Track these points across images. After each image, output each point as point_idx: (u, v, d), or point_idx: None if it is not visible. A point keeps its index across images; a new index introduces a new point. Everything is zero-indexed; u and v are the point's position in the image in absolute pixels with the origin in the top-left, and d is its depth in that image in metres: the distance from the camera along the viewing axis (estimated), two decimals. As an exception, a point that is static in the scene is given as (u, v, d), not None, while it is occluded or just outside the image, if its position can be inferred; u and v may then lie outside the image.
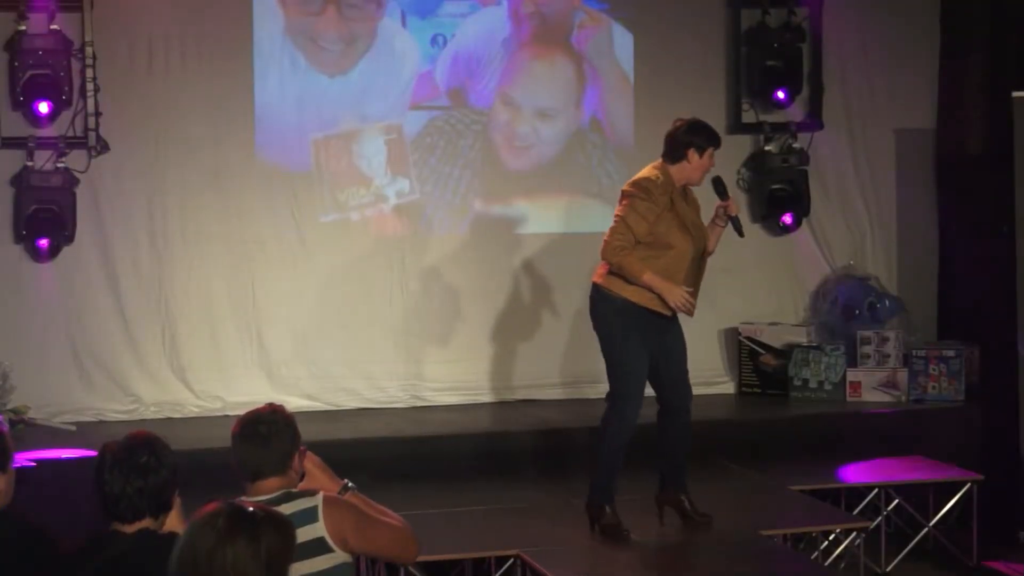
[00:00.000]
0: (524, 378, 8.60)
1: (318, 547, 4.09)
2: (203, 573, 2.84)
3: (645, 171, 6.24)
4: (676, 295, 6.08)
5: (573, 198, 8.79)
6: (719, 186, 6.36)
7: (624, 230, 6.08)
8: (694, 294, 6.21)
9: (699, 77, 8.89)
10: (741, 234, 6.37)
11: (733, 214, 6.27)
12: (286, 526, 2.97)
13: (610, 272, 6.17)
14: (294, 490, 4.26)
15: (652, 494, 6.71)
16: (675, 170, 6.18)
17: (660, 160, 6.25)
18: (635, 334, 6.15)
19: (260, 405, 4.38)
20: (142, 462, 3.77)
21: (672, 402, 6.37)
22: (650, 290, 6.08)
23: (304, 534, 4.05)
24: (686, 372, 6.43)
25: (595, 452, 6.37)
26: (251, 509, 2.93)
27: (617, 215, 6.15)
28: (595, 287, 6.26)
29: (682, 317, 7.93)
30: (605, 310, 6.20)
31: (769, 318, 8.90)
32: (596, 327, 6.29)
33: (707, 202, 6.41)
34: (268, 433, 4.22)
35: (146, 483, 3.74)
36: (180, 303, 8.24)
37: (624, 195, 6.18)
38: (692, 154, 6.16)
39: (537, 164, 8.74)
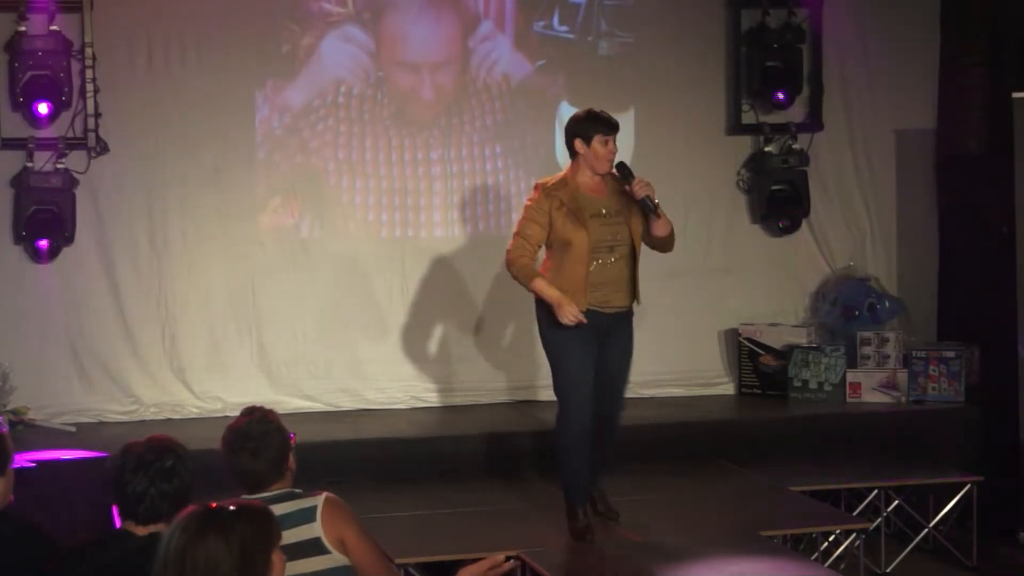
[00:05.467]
0: (524, 379, 8.60)
1: (313, 547, 4.09)
2: (176, 573, 2.88)
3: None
4: (564, 312, 5.96)
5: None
6: (621, 170, 6.16)
7: (519, 239, 6.09)
8: (625, 286, 6.12)
9: (699, 77, 8.89)
10: (656, 215, 6.06)
11: (638, 197, 6.06)
12: (261, 515, 3.00)
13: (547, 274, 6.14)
14: (297, 490, 4.26)
15: (656, 497, 6.75)
16: (579, 166, 6.12)
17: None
18: (572, 336, 6.04)
19: (245, 410, 4.41)
20: (168, 466, 3.84)
21: (598, 410, 6.16)
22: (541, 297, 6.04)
23: (299, 533, 4.06)
24: (620, 384, 6.26)
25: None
26: (222, 505, 2.97)
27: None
28: None
29: (681, 319, 7.98)
30: (542, 314, 6.16)
31: (769, 319, 8.90)
32: (538, 329, 6.27)
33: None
34: (258, 447, 4.23)
35: (170, 487, 3.80)
36: (180, 304, 8.24)
37: None
38: (580, 145, 6.09)
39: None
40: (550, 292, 6.01)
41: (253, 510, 2.99)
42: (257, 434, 4.24)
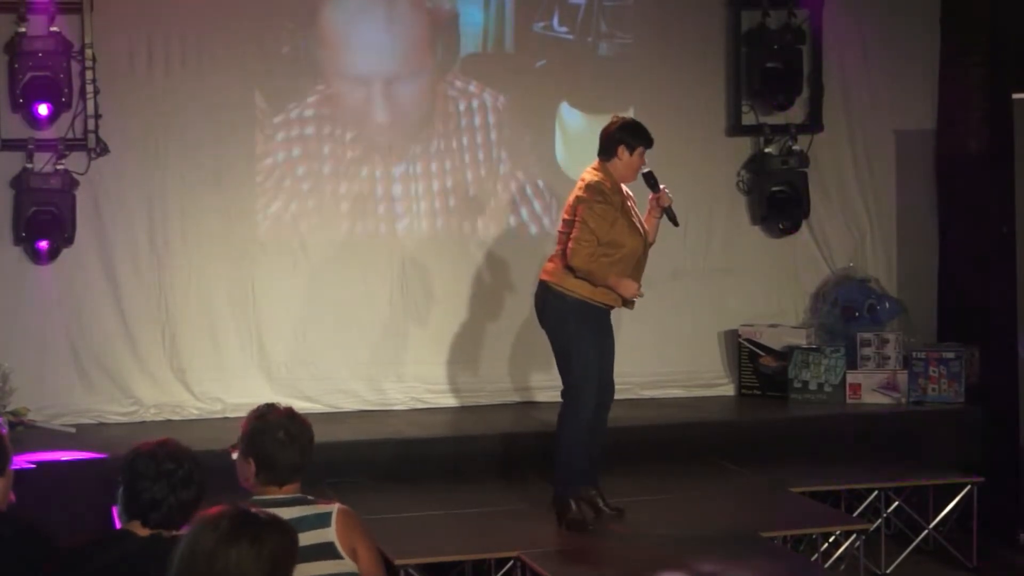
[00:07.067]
0: (524, 380, 8.60)
1: (326, 551, 4.12)
2: (203, 574, 2.84)
3: (591, 175, 6.35)
4: (631, 289, 6.28)
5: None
6: (650, 180, 6.47)
7: (589, 235, 6.22)
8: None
9: (699, 78, 8.89)
10: (676, 223, 6.55)
11: (665, 205, 6.45)
12: (290, 530, 2.96)
13: (564, 270, 6.31)
14: (309, 496, 4.27)
15: (656, 497, 6.73)
16: (611, 168, 6.33)
17: (597, 160, 6.38)
18: (586, 329, 6.32)
19: (264, 406, 4.39)
20: (187, 474, 3.81)
21: (599, 399, 6.45)
22: (610, 289, 6.29)
23: (314, 537, 4.09)
24: (612, 372, 6.56)
25: (555, 450, 6.47)
26: (255, 512, 2.92)
27: (578, 220, 6.24)
28: (545, 285, 6.40)
29: (682, 320, 8.02)
30: (558, 307, 6.35)
31: (769, 320, 8.90)
32: (546, 323, 6.45)
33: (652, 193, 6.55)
34: (304, 439, 4.22)
35: (189, 494, 3.79)
36: (180, 305, 8.23)
37: (580, 200, 6.28)
38: (623, 151, 6.31)
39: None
40: (617, 282, 6.26)
41: (283, 523, 2.93)
42: (297, 429, 4.24)
